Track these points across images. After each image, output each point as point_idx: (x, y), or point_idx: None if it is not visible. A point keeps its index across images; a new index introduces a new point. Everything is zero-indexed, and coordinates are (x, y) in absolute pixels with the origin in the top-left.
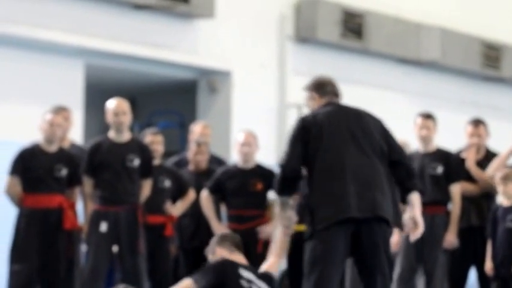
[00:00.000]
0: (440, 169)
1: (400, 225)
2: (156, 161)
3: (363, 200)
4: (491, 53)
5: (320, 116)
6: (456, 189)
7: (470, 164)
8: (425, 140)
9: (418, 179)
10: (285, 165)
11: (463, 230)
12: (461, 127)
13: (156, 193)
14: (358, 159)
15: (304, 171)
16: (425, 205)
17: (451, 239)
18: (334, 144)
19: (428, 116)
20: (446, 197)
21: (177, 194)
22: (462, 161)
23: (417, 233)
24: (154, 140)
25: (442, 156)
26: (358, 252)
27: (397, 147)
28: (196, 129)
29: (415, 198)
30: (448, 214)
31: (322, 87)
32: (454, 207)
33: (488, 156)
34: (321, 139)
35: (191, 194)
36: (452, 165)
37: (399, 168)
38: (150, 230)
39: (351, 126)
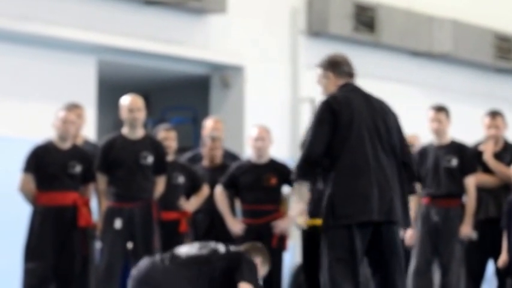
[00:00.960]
0: (454, 161)
1: (408, 225)
2: (170, 157)
3: (382, 202)
4: (504, 45)
5: (348, 101)
6: (471, 182)
7: (488, 157)
8: (437, 132)
9: (416, 182)
10: (309, 148)
11: (481, 221)
12: (474, 119)
13: (170, 189)
14: (380, 159)
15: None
16: (440, 198)
17: (466, 231)
18: (362, 138)
19: (440, 109)
20: (461, 190)
21: (191, 189)
22: (478, 153)
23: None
24: (167, 136)
25: (456, 148)
26: (374, 252)
27: (407, 149)
28: (208, 124)
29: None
30: (462, 207)
31: (338, 67)
32: (470, 199)
33: (506, 148)
34: (351, 129)
35: (205, 190)
36: (466, 157)
37: (405, 171)
38: (165, 226)
39: (377, 121)
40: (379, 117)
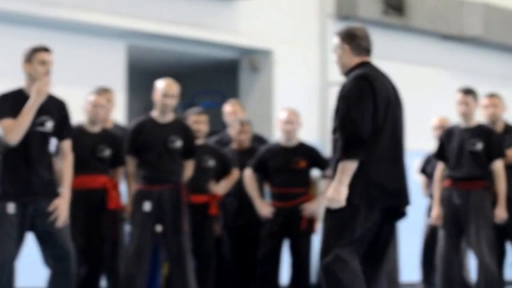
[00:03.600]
0: (479, 145)
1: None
2: (200, 141)
3: (406, 188)
4: None
5: (382, 83)
6: (499, 165)
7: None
8: (465, 115)
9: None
10: (356, 126)
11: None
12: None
13: (200, 172)
14: (401, 144)
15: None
16: (462, 180)
17: (500, 214)
18: (396, 122)
19: (467, 92)
20: (484, 173)
21: (221, 173)
22: None
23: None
24: (198, 119)
25: (482, 132)
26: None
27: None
28: (227, 109)
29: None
30: (486, 189)
31: (356, 40)
32: (500, 182)
33: (507, 130)
34: (387, 111)
35: (235, 173)
36: (493, 141)
37: None
38: (195, 209)
39: (397, 109)
40: (398, 104)
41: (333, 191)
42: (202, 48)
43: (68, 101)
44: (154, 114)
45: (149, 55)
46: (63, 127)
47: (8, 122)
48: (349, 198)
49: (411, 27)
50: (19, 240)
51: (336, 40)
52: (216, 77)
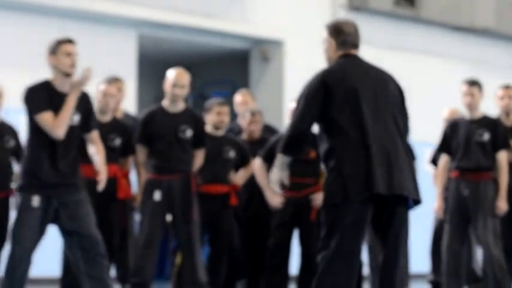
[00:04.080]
0: (486, 136)
1: (418, 196)
2: (221, 132)
3: (389, 176)
4: None
5: (344, 75)
6: (503, 156)
7: None
8: (470, 107)
9: None
10: (296, 123)
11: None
12: None
13: (221, 163)
14: (383, 131)
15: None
16: (470, 171)
17: (501, 205)
18: (361, 112)
19: (473, 83)
20: (491, 164)
21: (240, 163)
22: None
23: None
24: (221, 110)
25: (488, 123)
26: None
27: (407, 122)
28: (237, 99)
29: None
30: (493, 181)
31: (342, 36)
32: (502, 174)
33: None
34: (347, 104)
35: (252, 164)
36: (499, 132)
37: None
38: (215, 199)
39: (377, 94)
40: (379, 88)
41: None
42: (213, 38)
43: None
44: (165, 103)
45: (160, 45)
46: (89, 119)
47: (48, 115)
48: (328, 198)
49: (422, 18)
50: (40, 234)
51: (324, 33)
52: (226, 67)
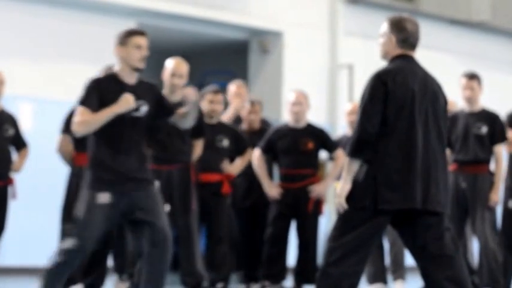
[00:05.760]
0: (484, 129)
1: (446, 210)
2: (215, 120)
3: (427, 191)
4: None
5: (404, 79)
6: (499, 150)
7: None
8: (469, 100)
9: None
10: (362, 127)
11: None
12: (511, 87)
13: (213, 152)
14: (430, 144)
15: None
16: (468, 164)
17: (493, 198)
18: (414, 121)
19: (472, 76)
20: (489, 157)
21: (236, 152)
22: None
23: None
24: (214, 99)
25: (487, 116)
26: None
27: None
28: (231, 89)
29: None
30: (491, 174)
31: (404, 34)
32: (498, 167)
33: None
34: (403, 110)
35: (249, 153)
36: (497, 125)
37: None
38: (207, 187)
39: (429, 104)
40: (432, 99)
41: (339, 189)
42: (213, 28)
43: (79, 78)
44: (164, 93)
45: (159, 34)
46: (160, 109)
47: (85, 111)
48: (356, 199)
49: (420, 11)
50: (103, 230)
51: (384, 26)
52: (225, 57)
